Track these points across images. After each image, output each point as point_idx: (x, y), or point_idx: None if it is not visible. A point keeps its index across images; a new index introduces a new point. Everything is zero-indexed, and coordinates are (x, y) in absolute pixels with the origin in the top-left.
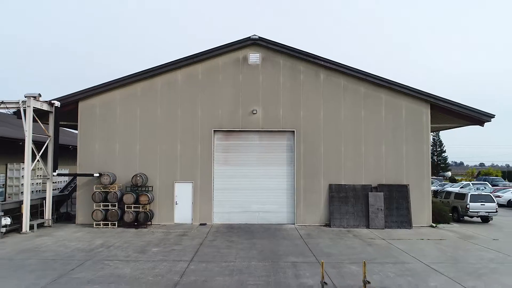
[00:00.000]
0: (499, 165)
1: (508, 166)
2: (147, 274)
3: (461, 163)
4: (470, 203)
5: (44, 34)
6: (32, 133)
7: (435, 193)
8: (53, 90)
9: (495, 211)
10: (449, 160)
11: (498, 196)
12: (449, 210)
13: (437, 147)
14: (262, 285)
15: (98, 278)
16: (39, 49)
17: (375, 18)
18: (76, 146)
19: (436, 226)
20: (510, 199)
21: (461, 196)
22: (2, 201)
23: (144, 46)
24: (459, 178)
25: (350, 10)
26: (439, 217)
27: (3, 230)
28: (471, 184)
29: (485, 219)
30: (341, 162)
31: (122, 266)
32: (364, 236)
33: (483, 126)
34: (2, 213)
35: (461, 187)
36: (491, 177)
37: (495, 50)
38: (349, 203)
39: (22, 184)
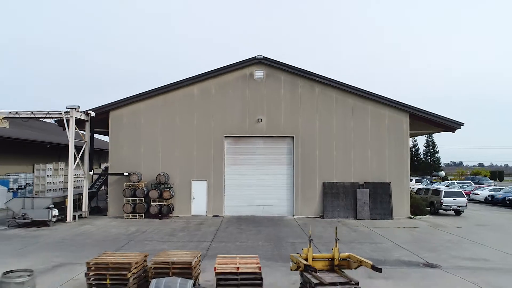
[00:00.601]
0: (498, 165)
1: (506, 166)
2: (180, 249)
3: (460, 163)
4: (444, 198)
5: (43, 34)
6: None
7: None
8: (54, 91)
9: (465, 205)
10: (448, 161)
11: (477, 194)
12: (427, 205)
13: (430, 148)
14: (269, 255)
15: (145, 251)
16: (39, 50)
17: (374, 18)
18: (95, 149)
19: (413, 217)
20: (486, 196)
21: (437, 193)
22: (52, 196)
23: (144, 47)
24: (452, 177)
25: (349, 10)
26: (417, 210)
27: (54, 219)
28: (455, 183)
29: (457, 212)
30: (333, 163)
31: (159, 244)
32: (351, 225)
33: (454, 132)
34: (53, 205)
35: (446, 186)
36: (478, 177)
37: (496, 50)
38: (339, 198)
39: (48, 183)
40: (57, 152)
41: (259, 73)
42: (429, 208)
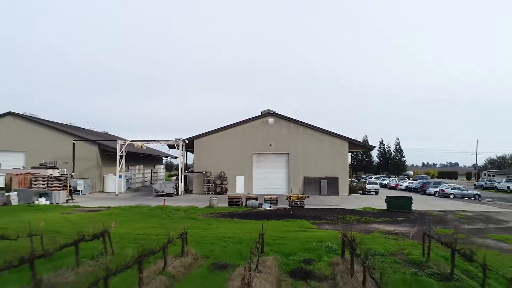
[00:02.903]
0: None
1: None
2: None
3: (456, 164)
4: (367, 185)
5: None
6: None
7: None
8: (54, 92)
9: (378, 189)
10: (445, 161)
11: (400, 185)
12: (360, 189)
13: (398, 153)
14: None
15: None
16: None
17: (372, 19)
18: (157, 156)
19: (349, 194)
20: (405, 186)
21: (364, 182)
22: (173, 182)
23: (140, 49)
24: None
25: (346, 11)
26: (353, 191)
27: (174, 193)
28: (396, 179)
29: (376, 193)
30: (309, 166)
31: None
32: (316, 197)
33: (371, 151)
34: (174, 187)
35: (391, 180)
36: (421, 175)
37: (494, 49)
38: (312, 184)
39: (137, 177)
40: (137, 159)
41: (270, 120)
42: (361, 191)
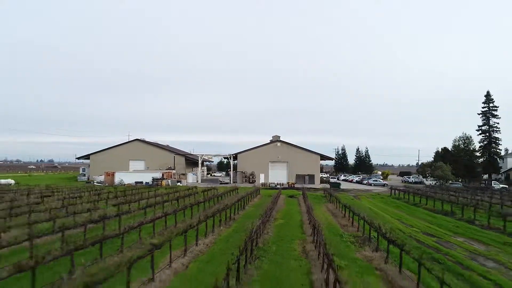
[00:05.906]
0: None
1: None
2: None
3: None
4: (330, 179)
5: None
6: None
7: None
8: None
9: (336, 181)
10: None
11: (353, 179)
12: (327, 181)
13: (367, 158)
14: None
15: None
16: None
17: (370, 18)
18: (209, 161)
19: (320, 183)
20: (355, 180)
21: (329, 177)
22: (229, 176)
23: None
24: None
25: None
26: (323, 182)
27: (230, 182)
28: (354, 176)
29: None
30: (299, 169)
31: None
32: (302, 185)
33: (333, 160)
34: (230, 179)
35: (351, 177)
36: (374, 174)
37: (488, 50)
38: (301, 178)
39: (196, 174)
40: (195, 163)
41: (278, 144)
42: (327, 182)
